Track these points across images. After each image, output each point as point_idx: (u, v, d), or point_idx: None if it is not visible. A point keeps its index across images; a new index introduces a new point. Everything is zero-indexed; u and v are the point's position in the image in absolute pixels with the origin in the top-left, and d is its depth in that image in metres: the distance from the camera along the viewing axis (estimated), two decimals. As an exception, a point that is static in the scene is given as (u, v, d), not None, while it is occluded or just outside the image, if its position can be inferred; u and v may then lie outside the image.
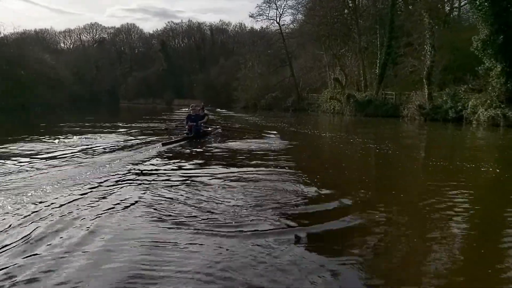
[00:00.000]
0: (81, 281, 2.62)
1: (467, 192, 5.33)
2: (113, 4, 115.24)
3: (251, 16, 43.52)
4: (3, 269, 2.78)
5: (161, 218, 3.95)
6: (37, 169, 6.36)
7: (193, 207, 4.29)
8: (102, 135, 11.70)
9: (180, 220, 3.87)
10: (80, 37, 73.88)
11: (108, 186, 5.24)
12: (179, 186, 5.26)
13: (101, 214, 4.04)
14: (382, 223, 3.86)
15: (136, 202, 4.51)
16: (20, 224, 3.70)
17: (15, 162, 6.98)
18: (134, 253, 3.10)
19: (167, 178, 5.81)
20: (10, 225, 3.67)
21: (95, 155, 7.83)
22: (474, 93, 19.77)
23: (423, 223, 3.99)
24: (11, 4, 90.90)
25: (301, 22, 40.64)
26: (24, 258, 2.96)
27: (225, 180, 5.60)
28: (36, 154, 7.89)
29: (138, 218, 3.94)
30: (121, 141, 10.00)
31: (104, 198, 4.67)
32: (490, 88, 18.46)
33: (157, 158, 7.71)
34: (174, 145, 9.58)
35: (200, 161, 7.36)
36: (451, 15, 28.38)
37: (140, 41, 74.21)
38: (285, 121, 21.63)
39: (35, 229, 3.57)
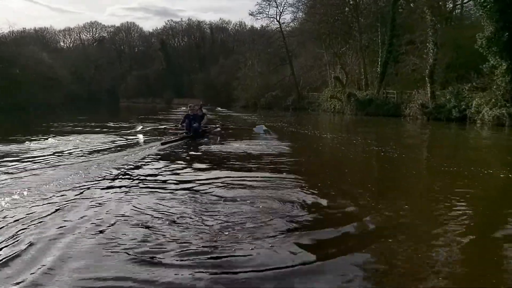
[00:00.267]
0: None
1: (473, 195, 5.13)
2: (114, 3, 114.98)
3: (251, 14, 42.83)
4: None
5: (135, 248, 3.15)
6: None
7: (177, 231, 3.54)
8: (82, 136, 11.10)
9: (154, 252, 3.11)
10: (80, 36, 73.52)
11: (83, 194, 4.80)
12: (166, 198, 4.64)
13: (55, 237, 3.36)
14: (387, 228, 3.73)
15: (109, 224, 3.71)
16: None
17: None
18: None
19: (156, 185, 5.39)
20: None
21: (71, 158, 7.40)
22: (478, 91, 19.29)
23: (427, 227, 3.84)
24: (11, 2, 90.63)
25: (302, 20, 40.26)
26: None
27: (219, 186, 5.21)
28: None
29: (104, 248, 3.17)
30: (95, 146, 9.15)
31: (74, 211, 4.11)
32: (495, 87, 17.99)
33: (152, 160, 7.47)
34: (173, 144, 9.55)
35: (195, 165, 6.97)
36: (453, 12, 27.89)
37: (140, 40, 73.82)
38: (285, 121, 21.20)
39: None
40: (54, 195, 4.67)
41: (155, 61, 64.98)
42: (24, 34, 64.85)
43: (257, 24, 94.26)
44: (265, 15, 42.49)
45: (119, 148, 8.81)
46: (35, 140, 10.07)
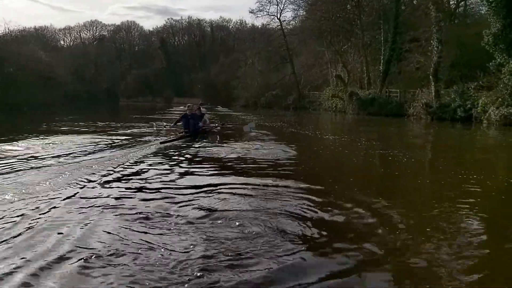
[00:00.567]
0: None
1: (480, 199, 4.93)
2: (115, 2, 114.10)
3: (251, 12, 42.28)
4: None
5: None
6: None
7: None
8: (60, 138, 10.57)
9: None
10: (80, 34, 73.04)
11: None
12: (152, 216, 3.93)
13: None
14: (392, 233, 3.56)
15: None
16: None
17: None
18: None
19: (149, 192, 4.91)
20: None
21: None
22: (485, 90, 18.72)
23: (432, 233, 3.66)
24: (11, 2, 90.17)
25: (302, 18, 39.68)
26: None
27: (215, 194, 4.73)
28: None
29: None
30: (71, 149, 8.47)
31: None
32: (501, 85, 17.42)
33: (149, 161, 7.17)
34: (172, 143, 9.48)
35: (193, 169, 6.47)
36: (457, 10, 27.29)
37: (140, 38, 73.34)
38: (285, 120, 20.67)
39: None
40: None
41: (155, 60, 64.51)
42: (24, 33, 64.69)
43: (258, 22, 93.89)
44: (265, 13, 41.96)
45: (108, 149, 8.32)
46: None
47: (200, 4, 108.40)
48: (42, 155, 7.48)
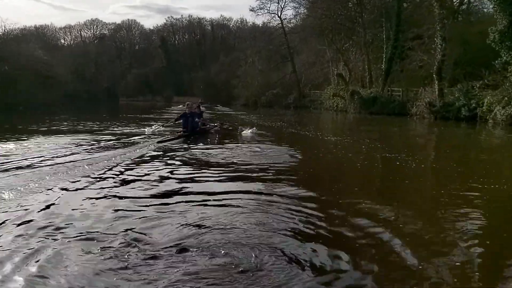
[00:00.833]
0: None
1: (486, 201, 4.74)
2: (116, 1, 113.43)
3: (252, 9, 41.82)
4: None
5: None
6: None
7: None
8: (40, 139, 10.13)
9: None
10: (81, 33, 72.68)
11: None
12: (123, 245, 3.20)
13: None
14: (398, 241, 3.32)
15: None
16: None
17: None
18: None
19: (142, 197, 4.50)
20: None
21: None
22: (490, 89, 18.23)
23: (437, 235, 3.55)
24: (11, 1, 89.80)
25: (303, 16, 39.25)
26: None
27: (211, 201, 4.30)
28: None
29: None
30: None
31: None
32: (508, 84, 16.97)
33: (145, 162, 6.88)
34: (170, 143, 9.23)
35: (189, 172, 6.09)
36: (461, 7, 26.77)
37: (141, 37, 72.92)
38: (285, 120, 20.23)
39: None
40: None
41: (155, 59, 64.12)
42: (25, 32, 64.41)
43: (259, 21, 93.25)
44: (266, 11, 41.31)
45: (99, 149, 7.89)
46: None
47: (201, 3, 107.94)
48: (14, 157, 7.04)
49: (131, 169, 6.20)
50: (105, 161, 6.71)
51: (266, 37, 44.53)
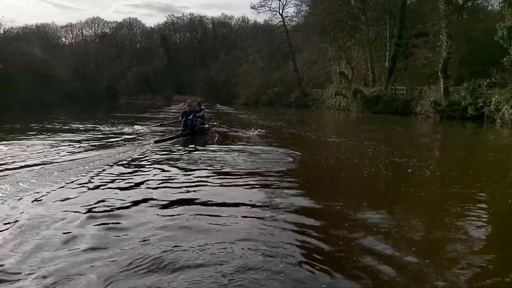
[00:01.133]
0: None
1: (494, 206, 4.54)
2: (118, 0, 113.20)
3: (253, 7, 41.24)
4: None
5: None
6: None
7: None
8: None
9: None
10: (82, 32, 72.40)
11: None
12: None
13: None
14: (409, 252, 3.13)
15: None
16: None
17: None
18: None
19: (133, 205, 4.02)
20: None
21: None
22: (498, 87, 17.70)
23: (442, 241, 3.45)
24: (11, 1, 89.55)
25: (305, 14, 38.72)
26: None
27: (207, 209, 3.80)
28: None
29: None
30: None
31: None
32: (516, 82, 16.43)
33: (140, 163, 6.48)
34: (167, 142, 8.98)
35: (185, 175, 5.63)
36: (466, 3, 26.15)
37: (142, 35, 72.56)
38: (286, 119, 19.70)
39: None
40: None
41: (156, 58, 63.71)
42: (26, 31, 64.19)
43: (260, 19, 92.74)
44: (267, 8, 40.77)
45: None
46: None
47: (203, 2, 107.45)
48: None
49: (118, 172, 5.71)
50: (92, 162, 6.34)
51: (268, 35, 44.05)
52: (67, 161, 6.48)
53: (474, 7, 27.14)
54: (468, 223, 3.84)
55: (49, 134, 10.85)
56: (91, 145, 8.46)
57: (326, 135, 12.02)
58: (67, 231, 3.34)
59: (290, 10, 74.48)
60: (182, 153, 7.69)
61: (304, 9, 39.86)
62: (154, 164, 6.42)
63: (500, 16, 22.09)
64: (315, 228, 3.53)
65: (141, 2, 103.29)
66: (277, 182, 5.26)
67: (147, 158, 7.03)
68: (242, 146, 8.81)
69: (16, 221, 3.61)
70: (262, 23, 49.71)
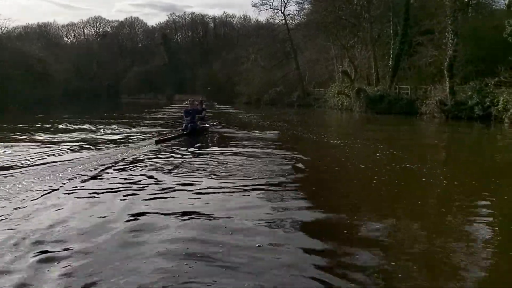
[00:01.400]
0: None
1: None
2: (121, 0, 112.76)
3: (254, 5, 40.66)
4: None
5: None
6: None
7: None
8: None
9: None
10: (84, 31, 72.20)
11: None
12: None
13: None
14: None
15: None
16: None
17: None
18: None
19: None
20: None
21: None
22: (506, 87, 17.16)
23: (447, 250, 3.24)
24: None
25: (307, 12, 38.23)
26: None
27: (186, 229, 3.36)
28: None
29: None
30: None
31: None
32: (525, 81, 15.89)
33: (140, 164, 6.38)
34: (168, 142, 9.02)
35: (183, 177, 5.38)
36: (471, 1, 25.60)
37: (144, 34, 72.29)
38: (287, 120, 19.24)
39: None
40: None
41: (157, 57, 63.38)
42: (28, 30, 64.05)
43: (262, 17, 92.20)
44: (268, 6, 40.22)
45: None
46: None
47: (205, 1, 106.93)
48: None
49: (120, 173, 5.48)
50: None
51: (269, 33, 43.58)
52: (67, 161, 6.47)
53: (480, 4, 26.60)
54: (474, 229, 3.72)
55: (48, 134, 10.87)
56: (92, 146, 8.48)
57: (329, 137, 11.51)
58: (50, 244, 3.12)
59: (292, 8, 73.89)
60: (182, 156, 7.33)
61: (306, 7, 39.40)
62: (153, 169, 6.09)
63: (508, 12, 21.60)
64: (319, 236, 3.09)
65: (144, 1, 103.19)
66: (275, 191, 4.82)
67: (147, 161, 6.81)
68: (241, 148, 8.39)
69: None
70: (263, 21, 49.28)
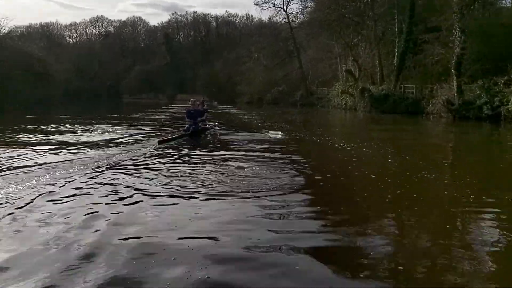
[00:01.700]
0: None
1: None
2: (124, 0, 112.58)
3: (256, 3, 40.17)
4: None
5: None
6: None
7: None
8: None
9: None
10: (86, 31, 72.06)
11: None
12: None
13: None
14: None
15: None
16: None
17: None
18: None
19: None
20: None
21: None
22: (516, 85, 16.63)
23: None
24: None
25: (310, 10, 37.71)
26: None
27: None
28: None
29: None
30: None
31: None
32: (537, 80, 15.33)
33: (141, 165, 6.36)
34: (171, 142, 9.19)
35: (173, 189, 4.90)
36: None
37: (146, 34, 72.06)
38: (289, 120, 18.76)
39: None
40: None
41: (158, 56, 63.10)
42: (30, 30, 63.97)
43: (264, 16, 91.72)
44: (271, 5, 39.74)
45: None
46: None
47: (208, 1, 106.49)
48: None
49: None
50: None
51: (272, 32, 43.10)
52: (70, 160, 6.51)
53: (487, 1, 25.98)
54: (482, 233, 3.58)
55: (52, 134, 10.88)
56: (95, 146, 8.56)
57: (335, 140, 10.97)
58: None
59: (295, 7, 73.26)
60: (183, 160, 7.04)
61: (309, 5, 38.88)
62: (158, 169, 5.99)
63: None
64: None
65: (147, 1, 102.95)
66: (281, 200, 4.37)
67: (151, 160, 6.83)
68: (242, 151, 7.96)
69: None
70: (266, 20, 48.78)
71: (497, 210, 4.28)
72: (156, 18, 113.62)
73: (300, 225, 3.71)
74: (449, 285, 2.64)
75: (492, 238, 3.45)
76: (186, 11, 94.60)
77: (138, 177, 5.47)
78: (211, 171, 5.91)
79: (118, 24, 71.60)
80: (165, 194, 4.67)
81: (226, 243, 3.23)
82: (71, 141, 9.40)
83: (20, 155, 7.19)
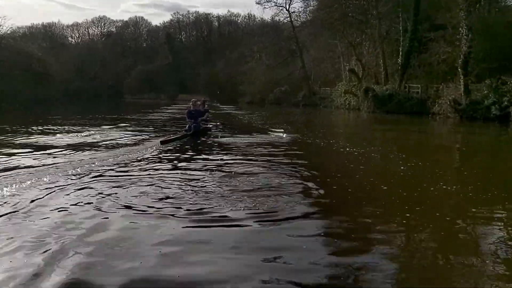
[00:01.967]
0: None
1: None
2: (126, 0, 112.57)
3: (258, 2, 39.82)
4: None
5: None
6: None
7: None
8: None
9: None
10: (88, 31, 72.08)
11: None
12: None
13: None
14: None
15: None
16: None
17: None
18: None
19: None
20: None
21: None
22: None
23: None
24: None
25: (313, 8, 37.29)
26: None
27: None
28: None
29: None
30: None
31: None
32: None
33: (143, 166, 6.27)
34: (173, 143, 9.24)
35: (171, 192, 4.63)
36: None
37: (148, 34, 71.98)
38: (291, 121, 18.33)
39: None
40: None
41: (160, 56, 62.91)
42: (32, 30, 64.02)
43: (266, 15, 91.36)
44: (273, 4, 39.38)
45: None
46: None
47: (210, 1, 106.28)
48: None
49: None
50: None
51: (274, 31, 42.72)
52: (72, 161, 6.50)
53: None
54: (488, 239, 3.46)
55: (55, 134, 10.92)
56: (96, 146, 8.58)
57: (339, 143, 10.48)
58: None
59: (297, 5, 72.96)
60: (183, 164, 6.70)
61: (311, 3, 38.46)
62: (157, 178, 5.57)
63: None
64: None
65: (149, 1, 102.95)
66: (276, 221, 3.94)
67: (155, 161, 6.78)
68: (243, 155, 7.56)
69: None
70: (268, 20, 48.43)
71: (505, 211, 4.14)
72: (158, 18, 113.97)
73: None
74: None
75: (501, 242, 3.31)
76: (188, 11, 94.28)
77: (130, 186, 5.00)
78: (211, 181, 5.45)
79: (120, 24, 71.71)
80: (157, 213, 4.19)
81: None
82: (71, 142, 9.28)
83: (19, 156, 7.13)
